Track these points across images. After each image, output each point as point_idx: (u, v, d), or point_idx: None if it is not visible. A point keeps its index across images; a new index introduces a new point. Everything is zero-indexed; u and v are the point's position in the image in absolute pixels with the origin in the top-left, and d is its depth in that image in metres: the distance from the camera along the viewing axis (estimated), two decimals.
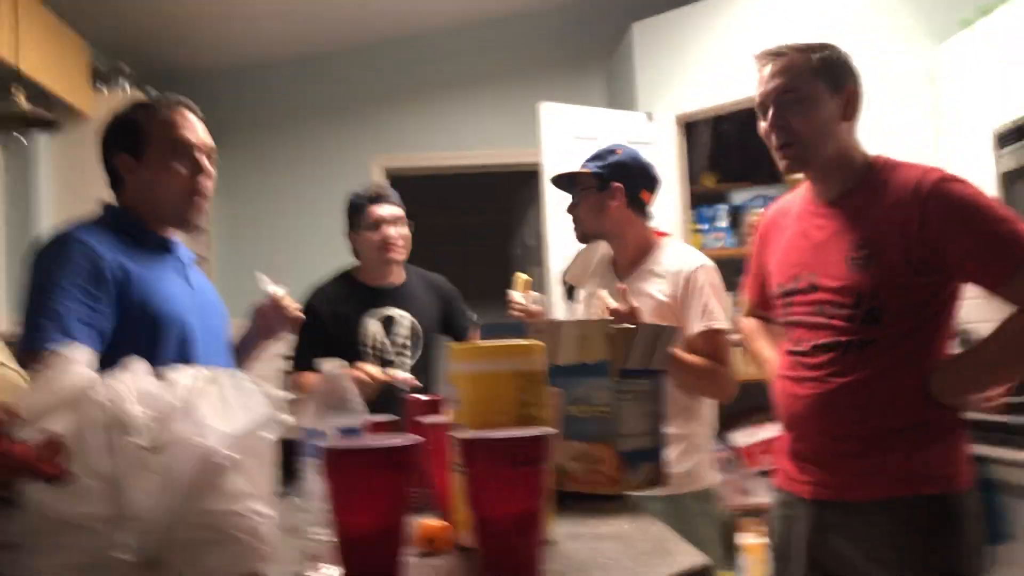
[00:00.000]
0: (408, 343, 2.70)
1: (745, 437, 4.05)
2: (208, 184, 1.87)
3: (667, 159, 4.13)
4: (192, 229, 1.89)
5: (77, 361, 0.97)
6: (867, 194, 1.80)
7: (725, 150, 4.56)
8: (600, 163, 2.31)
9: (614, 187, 2.28)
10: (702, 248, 4.19)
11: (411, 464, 0.90)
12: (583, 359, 1.43)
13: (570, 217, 2.36)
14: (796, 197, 1.99)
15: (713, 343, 2.17)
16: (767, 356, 2.05)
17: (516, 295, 2.47)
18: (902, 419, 1.73)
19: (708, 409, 2.31)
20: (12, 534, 0.89)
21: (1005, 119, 3.00)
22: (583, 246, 2.51)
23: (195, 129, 1.86)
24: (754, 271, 2.11)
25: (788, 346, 1.89)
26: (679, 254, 2.31)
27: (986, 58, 3.17)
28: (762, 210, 4.22)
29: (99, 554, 0.90)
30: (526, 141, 4.38)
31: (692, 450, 2.22)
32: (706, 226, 4.30)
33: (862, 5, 3.61)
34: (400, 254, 2.73)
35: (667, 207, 4.09)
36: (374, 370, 2.47)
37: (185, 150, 1.83)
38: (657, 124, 4.18)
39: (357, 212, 2.75)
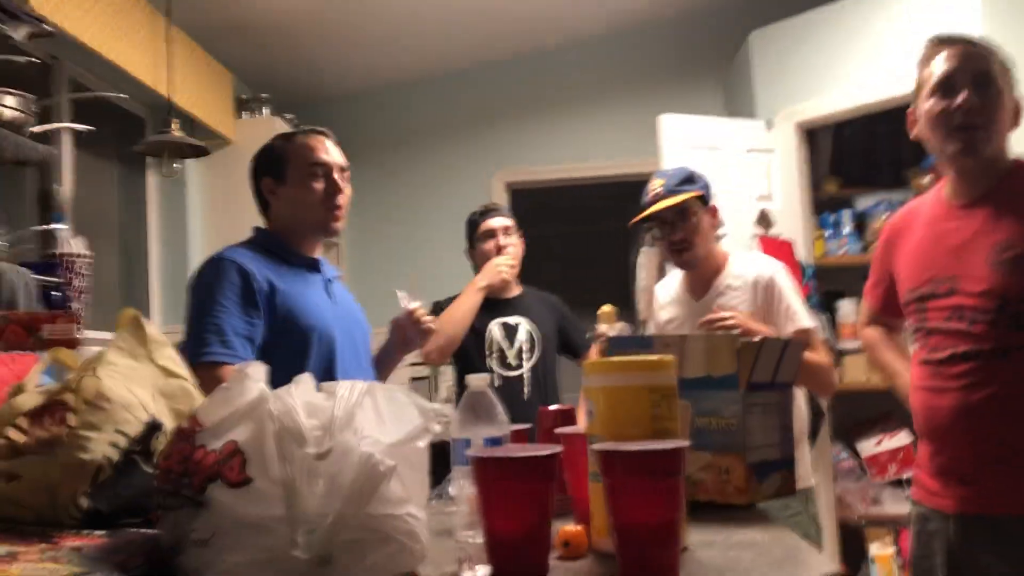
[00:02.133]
0: (527, 347, 2.89)
1: (871, 446, 3.96)
2: (342, 197, 2.04)
3: (788, 166, 4.08)
4: (332, 234, 2.06)
5: (253, 376, 1.08)
6: (1011, 194, 1.75)
7: (847, 155, 4.46)
8: (699, 184, 2.34)
9: (713, 208, 2.37)
10: (825, 255, 4.15)
11: (553, 472, 0.97)
12: (710, 372, 1.46)
13: (669, 247, 2.35)
14: (925, 201, 1.95)
15: (807, 341, 2.18)
16: (897, 368, 2.00)
17: (602, 327, 2.45)
18: None
19: (801, 408, 2.32)
20: (202, 532, 1.00)
21: None
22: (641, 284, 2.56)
23: (329, 151, 2.04)
24: (878, 277, 2.06)
25: (923, 354, 1.83)
26: (750, 263, 2.38)
27: None
28: (886, 215, 4.13)
29: (276, 552, 1.00)
30: (644, 150, 4.40)
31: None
32: (830, 232, 4.23)
33: (1002, 16, 3.48)
34: (510, 262, 2.89)
35: (790, 214, 4.05)
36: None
37: (320, 169, 2.00)
38: (777, 131, 4.14)
39: (472, 228, 2.98)
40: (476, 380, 1.14)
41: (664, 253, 2.47)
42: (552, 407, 1.52)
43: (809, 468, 2.38)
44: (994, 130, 1.75)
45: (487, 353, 2.86)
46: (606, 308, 2.50)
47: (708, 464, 1.45)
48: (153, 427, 1.19)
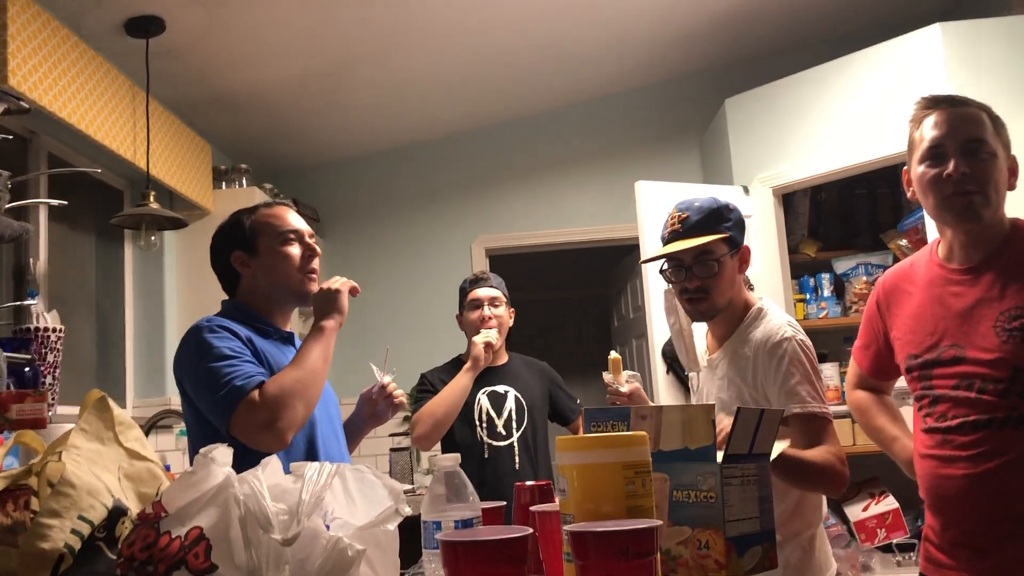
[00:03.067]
0: (515, 416, 2.89)
1: (858, 511, 3.92)
2: (316, 262, 2.05)
3: (766, 230, 4.12)
4: (308, 299, 2.03)
5: (219, 460, 1.06)
6: (1013, 258, 1.71)
7: (824, 218, 4.53)
8: (727, 224, 1.98)
9: (745, 251, 2.01)
10: (805, 318, 4.16)
11: (524, 555, 0.95)
12: (687, 444, 1.44)
13: (688, 295, 2.00)
14: (919, 261, 1.88)
15: (811, 430, 1.85)
16: (894, 433, 1.94)
17: (608, 377, 2.25)
18: None
19: (805, 499, 1.99)
20: None
21: None
22: (675, 332, 2.21)
23: (297, 218, 2.05)
24: (869, 338, 1.99)
25: (930, 422, 1.76)
26: (766, 323, 1.98)
27: None
28: (866, 278, 4.16)
29: None
30: (624, 216, 4.45)
31: (809, 540, 1.98)
32: (809, 296, 4.25)
33: (963, 70, 3.56)
34: (494, 329, 2.90)
35: (770, 278, 4.07)
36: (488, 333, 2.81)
37: (293, 235, 2.01)
38: (754, 197, 4.19)
39: (463, 295, 3.00)
40: (445, 460, 1.12)
41: (677, 298, 2.07)
42: (529, 483, 1.50)
43: (829, 555, 2.03)
44: (991, 194, 1.71)
45: (477, 423, 2.85)
46: (613, 355, 2.29)
47: (687, 539, 1.42)
48: (117, 512, 1.16)
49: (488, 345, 2.81)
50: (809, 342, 1.96)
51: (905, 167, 1.87)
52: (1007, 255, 1.71)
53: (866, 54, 3.87)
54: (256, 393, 1.75)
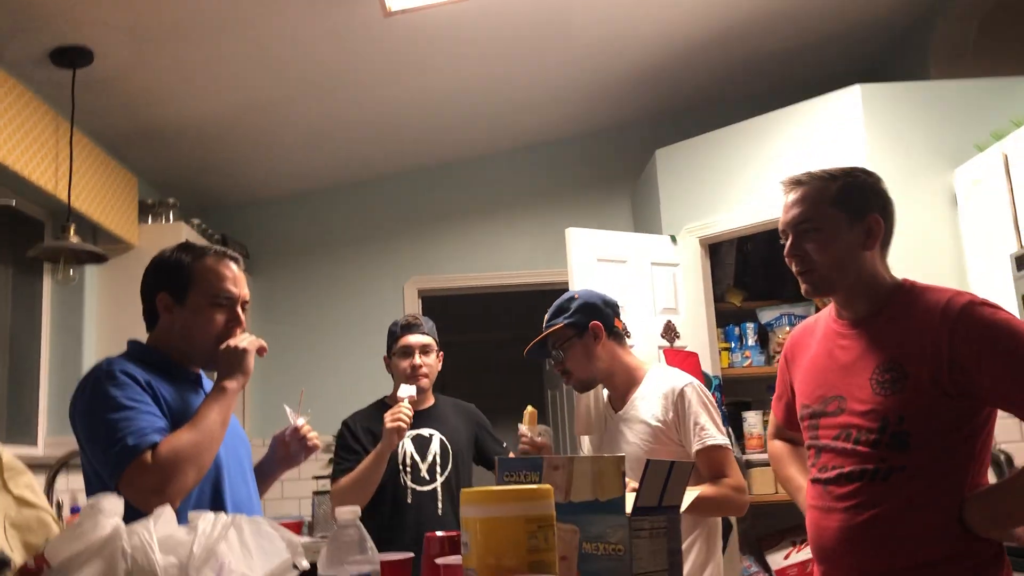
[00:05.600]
0: (440, 460, 2.85)
1: (780, 559, 3.97)
2: (240, 332, 1.94)
3: (693, 279, 4.19)
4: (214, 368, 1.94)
5: (107, 511, 1.03)
6: (893, 315, 1.77)
7: (750, 269, 4.62)
8: (567, 314, 2.41)
9: (593, 326, 2.39)
10: (730, 366, 4.23)
11: None
12: (597, 496, 1.44)
13: (561, 380, 2.48)
14: (822, 316, 1.97)
15: (713, 460, 2.23)
16: (800, 483, 1.99)
17: (523, 428, 2.53)
18: (936, 552, 1.65)
19: (714, 532, 2.36)
20: None
21: None
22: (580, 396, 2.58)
23: (237, 282, 1.94)
24: (781, 390, 2.08)
25: (814, 472, 1.83)
26: (663, 377, 2.38)
27: (1000, 181, 3.22)
28: (788, 328, 4.25)
29: None
30: (556, 261, 4.49)
31: (709, 559, 2.31)
32: (734, 344, 4.32)
33: (881, 131, 3.70)
34: (424, 380, 2.87)
35: (694, 327, 4.13)
36: (400, 412, 2.69)
37: (226, 301, 1.91)
38: (681, 246, 4.26)
39: (393, 339, 2.94)
40: (344, 513, 1.10)
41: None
42: (439, 533, 1.48)
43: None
44: (831, 269, 1.79)
45: (400, 468, 2.80)
46: (529, 409, 2.57)
47: None
48: (0, 563, 1.11)
49: (401, 426, 2.68)
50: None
51: None
52: (888, 312, 1.78)
53: (790, 111, 3.99)
54: (148, 455, 1.67)
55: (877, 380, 1.72)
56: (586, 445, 2.59)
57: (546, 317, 2.47)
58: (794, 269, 1.86)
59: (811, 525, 1.84)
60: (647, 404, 2.33)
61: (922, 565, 1.66)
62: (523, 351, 2.60)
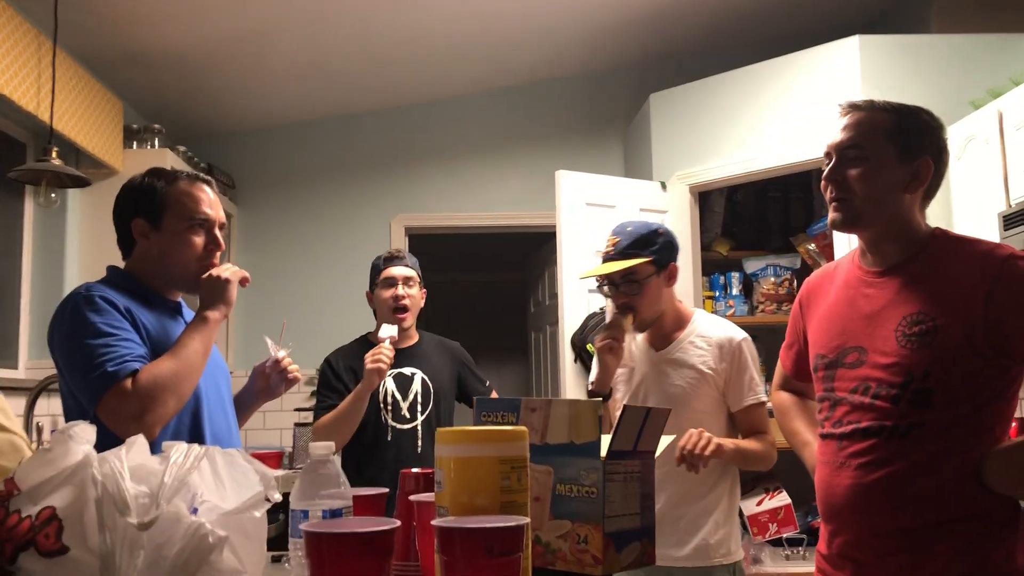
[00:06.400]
0: (421, 399, 2.85)
1: (753, 505, 4.02)
2: (218, 257, 1.94)
3: (681, 227, 4.17)
4: (197, 292, 1.93)
5: (77, 437, 1.02)
6: (926, 265, 1.66)
7: (738, 219, 4.61)
8: (652, 248, 2.29)
9: (672, 268, 2.33)
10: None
11: (389, 548, 0.94)
12: (573, 439, 1.45)
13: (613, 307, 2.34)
14: (843, 261, 1.86)
15: (755, 416, 2.29)
16: (807, 438, 1.91)
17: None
18: (950, 512, 1.58)
19: (736, 483, 2.38)
20: None
21: (1015, 199, 3.03)
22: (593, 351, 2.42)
23: (213, 204, 1.93)
24: (792, 339, 1.97)
25: (827, 427, 1.73)
26: (716, 325, 2.36)
27: (993, 139, 3.19)
28: (774, 279, 4.25)
29: None
30: (544, 204, 4.46)
31: (724, 522, 2.30)
32: (718, 293, 4.33)
33: (877, 83, 3.66)
34: (407, 314, 2.86)
35: (681, 273, 4.12)
36: (380, 353, 2.67)
37: (202, 223, 1.90)
38: (671, 193, 4.24)
39: (376, 272, 2.93)
40: (318, 448, 1.10)
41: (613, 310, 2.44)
42: (415, 470, 1.48)
43: (739, 541, 2.37)
44: (869, 202, 1.67)
45: (381, 406, 2.81)
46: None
47: (567, 532, 1.43)
48: None
49: (381, 368, 2.68)
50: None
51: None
52: (921, 261, 1.68)
53: (787, 60, 3.94)
54: (128, 382, 1.67)
55: (904, 332, 1.62)
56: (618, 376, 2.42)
57: (618, 242, 2.30)
58: (827, 196, 1.73)
59: (820, 482, 1.75)
60: (698, 350, 2.30)
61: (934, 525, 1.59)
62: (580, 276, 2.51)
